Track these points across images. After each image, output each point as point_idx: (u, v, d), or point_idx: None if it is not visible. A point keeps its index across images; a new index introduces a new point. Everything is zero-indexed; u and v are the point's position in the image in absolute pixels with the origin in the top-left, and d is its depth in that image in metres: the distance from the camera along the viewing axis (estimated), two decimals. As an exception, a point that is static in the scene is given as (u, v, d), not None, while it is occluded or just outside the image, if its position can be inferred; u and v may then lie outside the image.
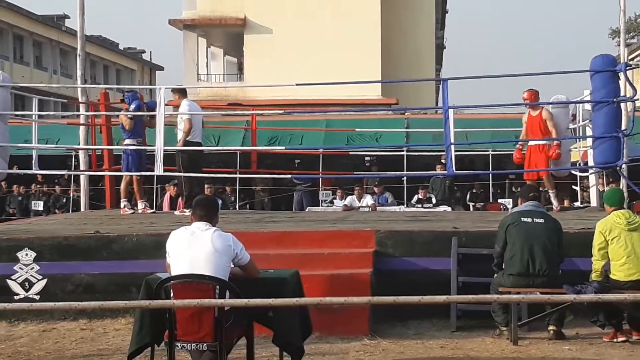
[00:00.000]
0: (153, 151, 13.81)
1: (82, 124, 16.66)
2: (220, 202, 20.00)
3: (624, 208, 10.17)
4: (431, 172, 21.61)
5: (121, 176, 15.35)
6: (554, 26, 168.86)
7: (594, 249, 9.75)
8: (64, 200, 25.05)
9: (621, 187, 14.68)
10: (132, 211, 15.14)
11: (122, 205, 15.24)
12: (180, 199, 16.73)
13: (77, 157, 19.31)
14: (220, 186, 24.78)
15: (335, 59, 33.75)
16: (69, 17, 55.03)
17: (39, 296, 10.73)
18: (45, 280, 10.84)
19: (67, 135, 21.52)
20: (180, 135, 14.21)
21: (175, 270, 7.24)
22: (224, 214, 16.17)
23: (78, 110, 17.05)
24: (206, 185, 18.54)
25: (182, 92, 14.80)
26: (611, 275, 9.63)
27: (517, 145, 15.02)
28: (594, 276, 9.67)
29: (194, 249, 7.19)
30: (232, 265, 7.40)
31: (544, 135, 14.17)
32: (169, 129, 14.65)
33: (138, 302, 7.50)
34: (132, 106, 14.80)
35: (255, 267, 7.73)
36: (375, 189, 21.32)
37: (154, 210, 16.45)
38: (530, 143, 14.37)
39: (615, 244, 9.60)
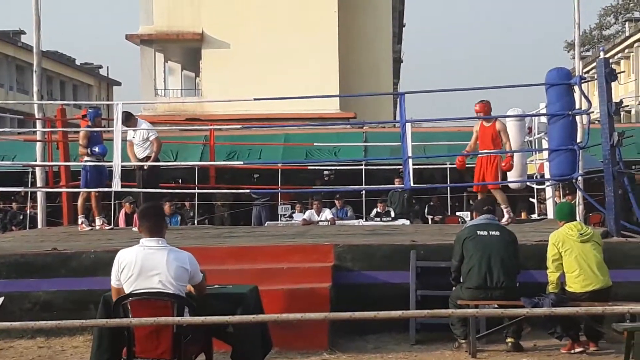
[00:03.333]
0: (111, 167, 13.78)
1: (38, 140, 16.54)
2: (179, 217, 19.96)
3: (575, 220, 10.28)
4: (389, 186, 21.68)
5: (79, 192, 15.26)
6: (510, 39, 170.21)
7: (548, 261, 9.85)
8: (21, 217, 24.83)
9: (577, 199, 14.84)
10: (89, 227, 15.05)
11: (79, 221, 15.14)
12: (136, 215, 16.72)
13: (33, 173, 19.18)
14: (179, 201, 24.71)
15: (293, 74, 33.76)
16: (24, 33, 54.63)
17: (-5, 314, 10.62)
18: (2, 299, 10.72)
19: (24, 151, 21.38)
20: (146, 153, 14.32)
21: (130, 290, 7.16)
22: (183, 230, 16.18)
23: (35, 126, 16.92)
24: (166, 203, 18.51)
25: (129, 117, 14.48)
26: (567, 288, 9.73)
27: (463, 151, 14.94)
28: (550, 288, 9.76)
29: (148, 273, 7.09)
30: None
31: (496, 147, 14.22)
32: (126, 144, 14.59)
33: (95, 321, 7.45)
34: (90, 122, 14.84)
35: (204, 287, 7.62)
36: (337, 203, 21.32)
37: (111, 226, 16.34)
38: (481, 155, 14.38)
39: (568, 256, 9.71)
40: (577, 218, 12.23)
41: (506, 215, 14.20)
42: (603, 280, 9.69)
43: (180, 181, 24.45)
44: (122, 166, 13.55)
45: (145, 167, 14.22)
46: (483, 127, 14.40)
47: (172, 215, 19.52)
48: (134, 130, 14.36)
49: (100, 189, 14.86)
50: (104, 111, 39.05)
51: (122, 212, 20.25)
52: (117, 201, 23.00)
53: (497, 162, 14.14)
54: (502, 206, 14.34)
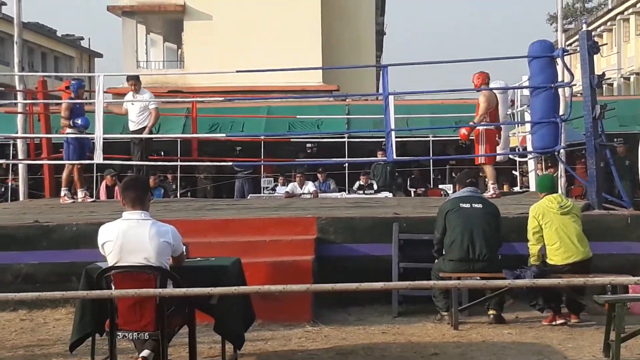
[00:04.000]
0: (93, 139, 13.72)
1: (20, 113, 16.45)
2: (162, 190, 19.92)
3: (556, 193, 10.33)
4: (372, 159, 21.69)
5: (61, 165, 15.21)
6: (492, 12, 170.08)
7: (529, 234, 9.90)
8: (3, 190, 24.73)
9: (559, 171, 14.88)
10: (72, 200, 15.00)
11: (62, 194, 15.09)
12: (117, 188, 16.80)
13: (15, 145, 19.11)
14: (161, 174, 24.65)
15: (276, 46, 33.69)
16: (5, 4, 54.27)
17: (-23, 287, 10.60)
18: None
19: (5, 123, 21.30)
20: (146, 123, 14.68)
21: (113, 264, 7.15)
22: (166, 202, 16.15)
23: (16, 98, 16.87)
24: (151, 176, 18.51)
25: (139, 80, 15.01)
26: (548, 260, 9.79)
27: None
28: (532, 260, 9.83)
29: (130, 246, 7.06)
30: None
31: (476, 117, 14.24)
32: (108, 117, 14.53)
33: (75, 292, 7.44)
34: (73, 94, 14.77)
35: (183, 258, 7.60)
36: (319, 176, 21.31)
37: (93, 199, 16.30)
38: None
39: (548, 228, 9.77)
40: (559, 191, 12.28)
41: (491, 191, 14.22)
42: (583, 252, 9.76)
43: (162, 154, 24.35)
44: (103, 138, 13.47)
45: (141, 139, 14.52)
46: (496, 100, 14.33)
47: (155, 188, 19.49)
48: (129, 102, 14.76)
49: (83, 162, 14.77)
50: (85, 83, 38.88)
51: (103, 184, 20.20)
52: (99, 174, 22.94)
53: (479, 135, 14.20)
54: (490, 182, 14.37)
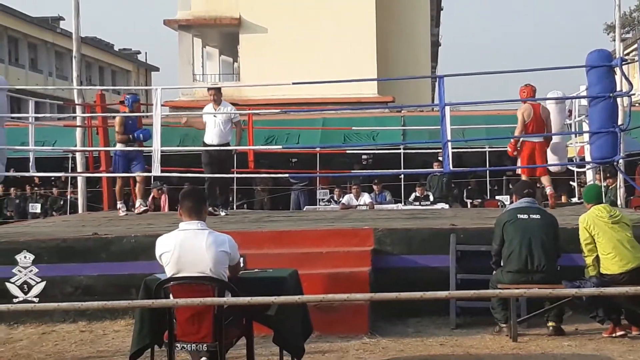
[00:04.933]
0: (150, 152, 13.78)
1: (78, 126, 16.65)
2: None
3: (602, 203, 10.23)
4: (428, 170, 21.63)
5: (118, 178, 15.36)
6: (549, 22, 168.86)
7: (582, 245, 9.80)
8: (62, 203, 25.06)
9: (618, 182, 14.73)
10: (125, 213, 15.08)
11: (117, 207, 15.24)
12: (163, 199, 16.97)
13: (74, 159, 19.31)
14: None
15: (331, 58, 33.73)
16: (63, 19, 55.07)
17: (37, 298, 10.73)
18: (44, 283, 10.85)
19: (64, 137, 21.52)
20: (229, 138, 14.79)
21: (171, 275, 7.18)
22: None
23: (74, 112, 17.06)
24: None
25: (219, 91, 14.83)
26: (603, 271, 9.63)
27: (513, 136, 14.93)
28: (589, 270, 9.71)
29: (188, 257, 7.08)
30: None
31: (540, 130, 14.24)
32: (165, 129, 14.63)
33: (140, 301, 7.48)
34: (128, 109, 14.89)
35: (239, 268, 7.62)
36: (375, 187, 21.29)
37: (146, 207, 16.09)
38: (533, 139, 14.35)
39: (601, 238, 9.66)
40: (618, 201, 12.16)
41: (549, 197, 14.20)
42: (638, 258, 9.62)
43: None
44: (161, 151, 13.54)
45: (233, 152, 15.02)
46: (537, 112, 14.29)
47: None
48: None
49: (141, 174, 14.86)
50: (142, 97, 39.22)
51: (150, 197, 20.37)
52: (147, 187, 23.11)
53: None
54: (548, 188, 14.32)
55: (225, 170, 14.97)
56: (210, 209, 13.31)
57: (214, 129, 14.44)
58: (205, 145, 14.56)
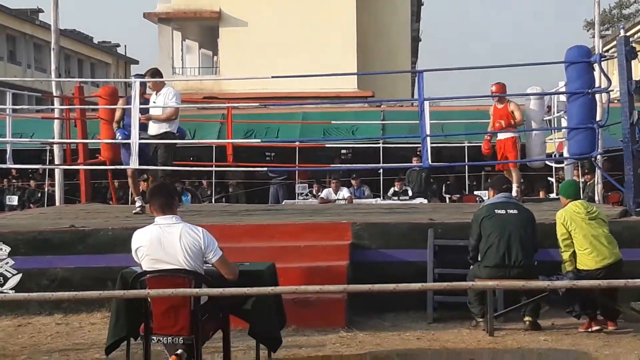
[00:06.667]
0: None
1: (56, 118, 16.54)
2: (189, 195, 20.00)
3: (580, 199, 10.26)
4: (407, 165, 21.64)
5: (97, 170, 15.21)
6: (529, 18, 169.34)
7: (558, 241, 9.83)
8: (39, 195, 24.96)
9: (596, 178, 14.79)
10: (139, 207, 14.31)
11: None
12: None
13: (51, 151, 19.24)
14: (196, 179, 24.76)
15: (311, 52, 33.73)
16: (42, 11, 54.74)
17: (13, 291, 10.68)
18: (20, 275, 10.80)
19: (42, 129, 21.42)
20: (164, 128, 13.24)
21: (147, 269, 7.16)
22: (200, 208, 16.19)
23: (52, 104, 16.93)
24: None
25: (158, 74, 13.59)
26: (580, 267, 9.67)
27: (485, 137, 15.17)
28: (566, 266, 9.74)
29: (164, 250, 7.07)
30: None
31: (510, 127, 14.44)
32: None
33: (112, 292, 7.48)
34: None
35: (229, 266, 7.46)
36: (353, 182, 21.31)
37: (141, 205, 15.31)
38: (499, 136, 14.59)
39: (578, 234, 9.70)
40: (595, 197, 12.21)
41: (514, 193, 14.25)
42: (615, 254, 9.68)
43: (197, 159, 24.45)
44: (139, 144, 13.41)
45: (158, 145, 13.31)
46: (496, 109, 14.60)
47: (181, 193, 19.56)
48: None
49: (117, 167, 14.76)
50: (121, 89, 39.09)
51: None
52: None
53: (514, 142, 14.35)
54: (515, 184, 14.38)
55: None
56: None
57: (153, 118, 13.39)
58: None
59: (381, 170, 23.94)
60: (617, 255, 9.69)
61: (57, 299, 7.54)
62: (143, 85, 13.60)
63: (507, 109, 14.52)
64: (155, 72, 13.58)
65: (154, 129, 13.32)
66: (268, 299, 7.64)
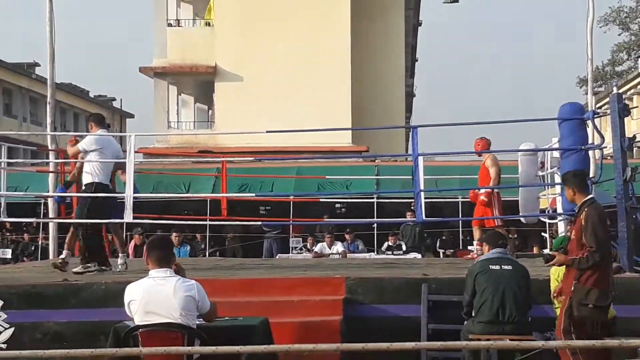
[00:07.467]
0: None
1: (51, 172, 16.57)
2: (188, 247, 19.98)
3: None
4: (401, 219, 21.65)
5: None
6: (522, 74, 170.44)
7: (552, 297, 9.82)
8: (33, 248, 24.89)
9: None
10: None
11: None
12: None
13: (46, 204, 19.22)
14: (190, 233, 24.74)
15: (305, 107, 33.83)
16: (39, 65, 54.99)
17: (5, 345, 10.61)
18: (12, 329, 10.73)
19: (37, 182, 21.43)
20: (90, 179, 12.80)
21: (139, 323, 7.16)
22: (194, 262, 16.16)
23: (47, 157, 16.97)
24: (174, 233, 18.44)
25: (98, 121, 13.26)
26: (573, 323, 9.64)
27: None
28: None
29: (157, 304, 7.07)
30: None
31: (484, 181, 14.58)
32: (139, 176, 14.56)
33: (104, 350, 7.42)
34: None
35: (214, 313, 7.61)
36: (347, 236, 21.31)
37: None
38: (481, 190, 14.81)
39: (571, 290, 9.66)
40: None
41: (475, 251, 14.50)
42: (609, 312, 9.63)
43: (192, 213, 24.46)
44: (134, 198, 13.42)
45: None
46: (482, 165, 14.85)
47: (180, 245, 19.56)
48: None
49: (113, 220, 14.73)
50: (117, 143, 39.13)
51: (132, 243, 20.28)
52: (127, 233, 23.00)
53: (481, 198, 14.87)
54: (476, 242, 14.59)
55: None
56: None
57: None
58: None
59: (375, 225, 23.95)
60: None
61: (49, 357, 7.48)
62: None
63: (484, 164, 14.78)
64: (93, 119, 13.29)
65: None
66: (262, 355, 7.62)
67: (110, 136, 13.42)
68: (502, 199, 15.09)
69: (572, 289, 8.66)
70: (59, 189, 13.85)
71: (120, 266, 13.27)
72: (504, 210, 15.20)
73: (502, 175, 15.51)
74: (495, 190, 14.76)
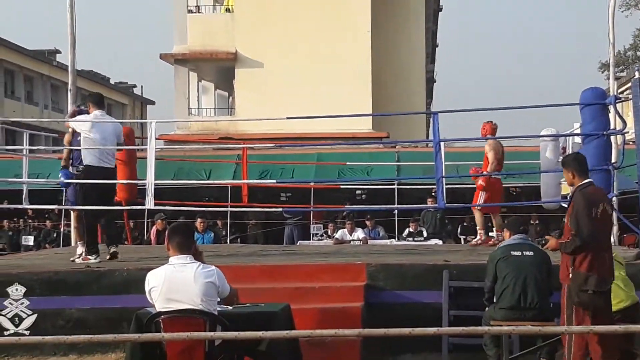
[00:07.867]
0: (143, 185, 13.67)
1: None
2: (212, 234, 19.99)
3: None
4: (422, 206, 21.61)
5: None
6: (544, 60, 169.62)
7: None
8: (55, 235, 24.99)
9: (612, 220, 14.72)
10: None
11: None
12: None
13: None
14: (211, 219, 24.76)
15: (326, 93, 33.78)
16: (60, 52, 55.09)
17: (28, 331, 10.69)
18: (35, 316, 10.80)
19: (58, 170, 21.47)
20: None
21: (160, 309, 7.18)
22: (216, 248, 16.19)
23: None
24: (199, 219, 18.45)
25: (95, 101, 13.21)
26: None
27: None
28: (582, 309, 9.67)
29: (178, 290, 7.09)
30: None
31: (486, 166, 14.71)
32: (159, 163, 14.57)
33: (127, 335, 7.46)
34: None
35: (234, 296, 7.68)
36: (367, 223, 21.29)
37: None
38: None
39: (595, 277, 9.62)
40: (611, 239, 12.12)
41: (477, 237, 14.43)
42: (632, 297, 9.61)
43: (213, 199, 24.47)
44: (155, 184, 13.46)
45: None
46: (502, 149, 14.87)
47: (205, 231, 19.59)
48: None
49: (134, 207, 14.76)
50: (137, 130, 39.26)
51: (154, 229, 20.34)
52: (149, 219, 23.06)
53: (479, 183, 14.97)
54: (478, 227, 14.52)
55: None
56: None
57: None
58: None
59: (396, 211, 23.89)
60: (633, 298, 9.63)
61: (72, 342, 7.54)
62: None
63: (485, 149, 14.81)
64: (91, 100, 13.26)
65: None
66: (283, 341, 7.63)
67: (104, 118, 13.21)
68: (523, 185, 15.04)
69: (570, 275, 8.62)
70: (61, 174, 13.76)
71: (78, 257, 12.70)
72: (521, 197, 15.15)
73: (521, 161, 15.46)
74: (494, 176, 14.77)
